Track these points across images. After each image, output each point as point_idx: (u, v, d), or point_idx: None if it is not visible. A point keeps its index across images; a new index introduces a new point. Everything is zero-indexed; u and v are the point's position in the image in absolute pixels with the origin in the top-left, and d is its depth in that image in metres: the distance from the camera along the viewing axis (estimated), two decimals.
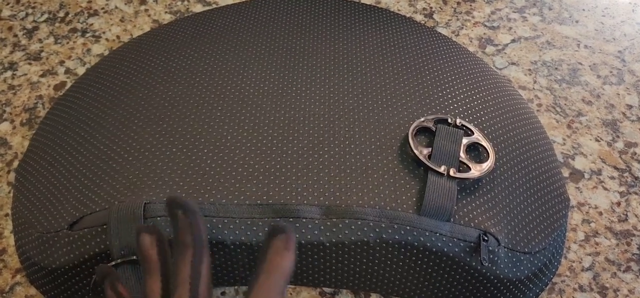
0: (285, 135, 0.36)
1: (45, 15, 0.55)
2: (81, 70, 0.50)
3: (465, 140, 0.35)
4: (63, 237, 0.32)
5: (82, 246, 0.32)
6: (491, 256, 0.32)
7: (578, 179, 0.42)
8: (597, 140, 0.45)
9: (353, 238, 0.31)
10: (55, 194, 0.35)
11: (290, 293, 0.36)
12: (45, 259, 0.33)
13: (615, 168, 0.43)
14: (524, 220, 0.34)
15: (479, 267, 0.32)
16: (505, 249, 0.32)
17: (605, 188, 0.42)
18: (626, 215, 0.40)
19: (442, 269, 0.32)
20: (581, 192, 0.42)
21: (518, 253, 0.33)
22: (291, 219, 0.31)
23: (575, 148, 0.44)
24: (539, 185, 0.37)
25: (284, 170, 0.33)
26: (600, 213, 0.40)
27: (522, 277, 0.33)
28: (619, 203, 0.41)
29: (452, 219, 0.32)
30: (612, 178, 0.42)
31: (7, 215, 0.40)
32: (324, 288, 0.36)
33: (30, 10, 0.56)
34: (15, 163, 0.43)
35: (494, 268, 0.32)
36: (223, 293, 0.36)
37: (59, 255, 0.32)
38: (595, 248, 0.39)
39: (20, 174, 0.38)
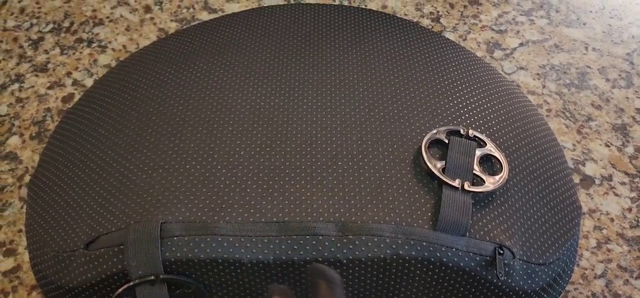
0: (298, 149, 0.36)
1: (50, 25, 0.55)
2: (89, 82, 0.50)
3: (478, 152, 0.35)
4: (79, 257, 0.32)
5: (99, 266, 0.32)
6: (507, 269, 0.32)
7: (589, 185, 0.42)
8: (607, 146, 0.45)
9: (370, 255, 0.31)
10: (69, 212, 0.35)
11: None
12: (62, 278, 0.33)
13: (626, 173, 0.43)
14: (538, 231, 0.34)
15: (495, 281, 0.32)
16: (521, 261, 0.32)
17: (616, 194, 0.42)
18: (638, 221, 0.40)
19: (458, 283, 0.32)
20: (592, 198, 0.42)
21: (533, 265, 0.33)
22: (308, 236, 0.31)
23: (586, 153, 0.44)
24: (551, 194, 0.37)
25: (298, 186, 0.34)
26: (612, 220, 0.41)
27: (537, 288, 0.33)
28: (630, 209, 0.41)
29: (467, 233, 0.32)
30: (623, 184, 0.42)
31: (20, 231, 0.40)
32: None
33: (34, 20, 0.56)
34: (26, 178, 0.43)
35: (509, 281, 0.32)
36: None
37: (77, 274, 0.33)
38: (608, 255, 0.39)
39: (32, 190, 0.38)
